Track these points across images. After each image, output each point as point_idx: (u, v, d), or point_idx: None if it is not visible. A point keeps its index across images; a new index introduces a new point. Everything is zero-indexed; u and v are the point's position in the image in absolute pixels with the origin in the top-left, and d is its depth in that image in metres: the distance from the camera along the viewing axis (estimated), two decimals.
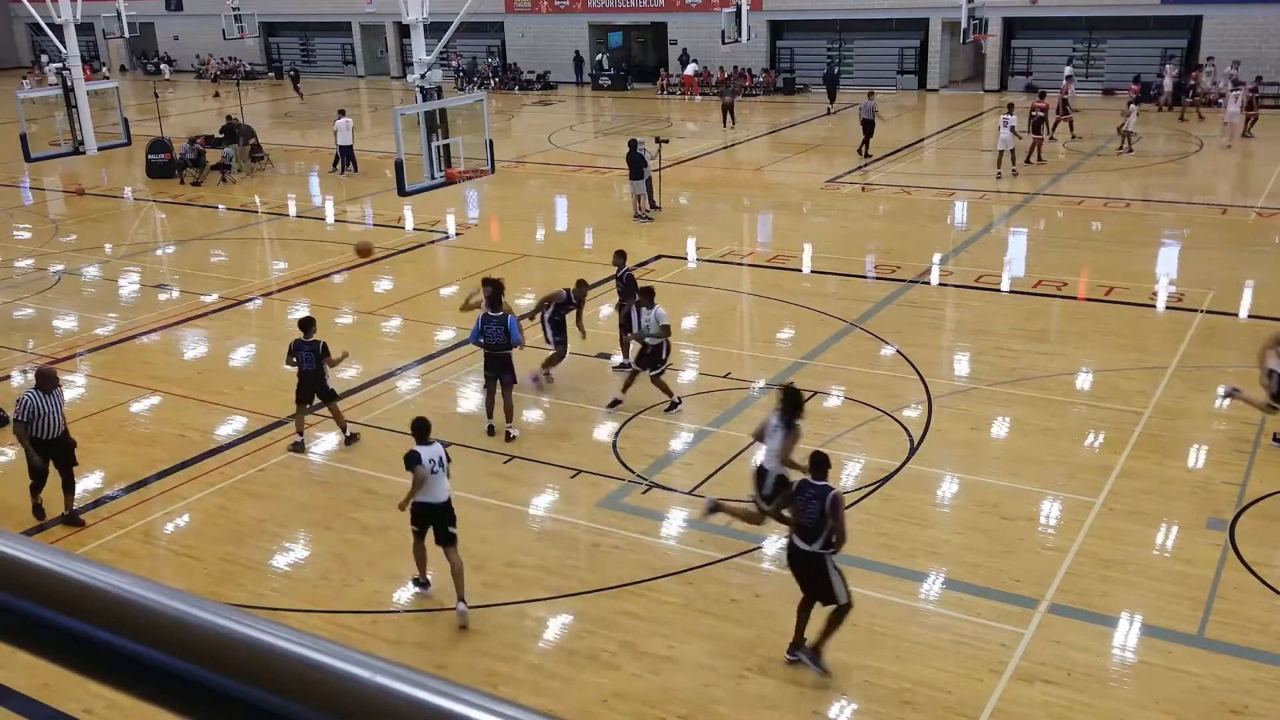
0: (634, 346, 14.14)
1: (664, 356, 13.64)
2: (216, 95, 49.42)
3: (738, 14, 28.31)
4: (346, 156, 30.67)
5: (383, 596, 10.17)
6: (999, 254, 21.16)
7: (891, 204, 25.75)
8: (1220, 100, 34.30)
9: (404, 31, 27.46)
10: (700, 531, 11.08)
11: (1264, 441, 12.50)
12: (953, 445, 12.61)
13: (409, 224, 24.77)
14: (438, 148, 17.59)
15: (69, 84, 24.28)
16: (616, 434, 13.27)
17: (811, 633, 8.78)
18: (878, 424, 13.33)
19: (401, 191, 17.63)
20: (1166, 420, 13.18)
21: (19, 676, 8.84)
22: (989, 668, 8.75)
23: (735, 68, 45.16)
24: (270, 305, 19.38)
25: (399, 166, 17.14)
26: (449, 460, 9.86)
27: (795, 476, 9.43)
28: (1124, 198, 25.04)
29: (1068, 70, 36.88)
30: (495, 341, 12.88)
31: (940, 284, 19.36)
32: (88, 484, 12.30)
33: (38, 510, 11.59)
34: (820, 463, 8.69)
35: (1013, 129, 26.89)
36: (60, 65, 24.90)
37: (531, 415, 13.83)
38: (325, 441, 13.34)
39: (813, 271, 20.55)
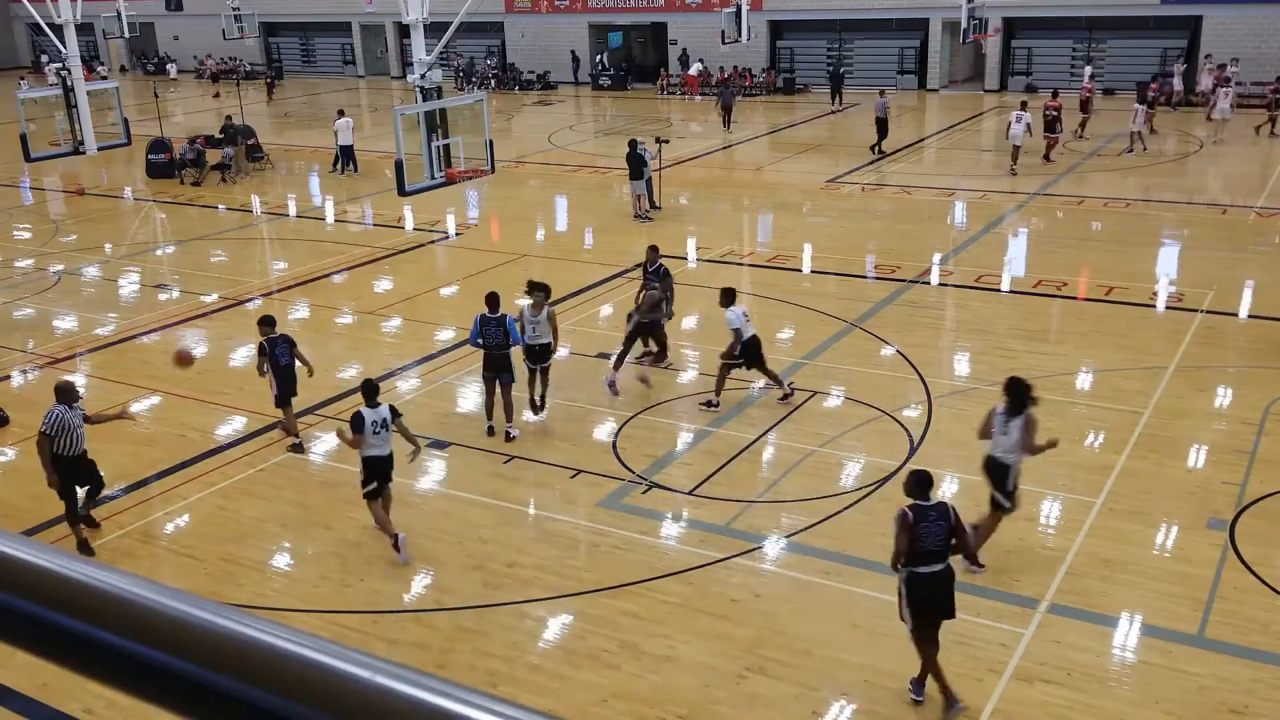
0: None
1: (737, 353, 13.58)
2: (217, 95, 49.41)
3: (738, 14, 28.28)
4: (347, 156, 30.67)
5: (382, 596, 10.16)
6: (999, 254, 21.15)
7: (892, 204, 25.75)
8: (1201, 93, 35.18)
9: (404, 31, 27.44)
10: (700, 531, 11.08)
11: (1263, 442, 12.50)
12: (953, 445, 12.60)
13: (409, 224, 24.77)
14: (438, 148, 17.59)
15: (69, 84, 24.28)
16: (616, 434, 13.27)
17: (902, 665, 8.51)
18: (878, 424, 13.34)
19: (401, 191, 17.64)
20: (1166, 420, 13.18)
21: (19, 676, 8.84)
22: (989, 668, 8.75)
23: (735, 68, 45.16)
24: (270, 305, 19.37)
25: (399, 166, 17.15)
26: (397, 416, 10.62)
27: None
28: (1124, 197, 25.03)
29: (1089, 70, 37.74)
30: (495, 342, 12.93)
31: (940, 284, 19.36)
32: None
33: (83, 546, 10.81)
34: (926, 482, 8.29)
35: (1028, 126, 26.90)
36: (60, 65, 24.88)
37: (531, 416, 13.83)
38: (325, 441, 13.34)
39: (813, 271, 20.55)
